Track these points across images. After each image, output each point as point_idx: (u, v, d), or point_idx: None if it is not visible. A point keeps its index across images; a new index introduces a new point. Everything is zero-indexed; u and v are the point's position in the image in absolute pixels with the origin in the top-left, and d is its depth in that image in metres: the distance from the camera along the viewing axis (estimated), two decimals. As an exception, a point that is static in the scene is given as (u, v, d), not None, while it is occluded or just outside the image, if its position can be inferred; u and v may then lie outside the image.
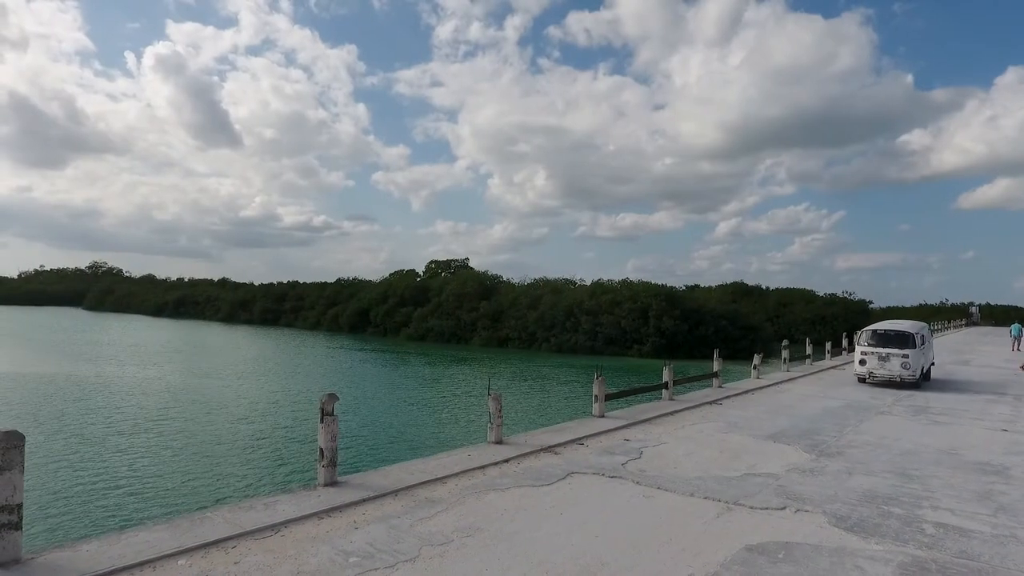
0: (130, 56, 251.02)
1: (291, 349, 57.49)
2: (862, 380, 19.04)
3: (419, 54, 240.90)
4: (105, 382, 32.03)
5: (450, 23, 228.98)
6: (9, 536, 5.35)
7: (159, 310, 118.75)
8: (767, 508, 7.57)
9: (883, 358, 18.30)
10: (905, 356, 17.98)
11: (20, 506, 5.43)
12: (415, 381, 37.03)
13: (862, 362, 18.82)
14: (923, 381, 19.22)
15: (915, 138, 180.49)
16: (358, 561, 5.73)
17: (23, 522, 5.54)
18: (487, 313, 66.24)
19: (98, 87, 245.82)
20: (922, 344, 18.68)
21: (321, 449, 7.80)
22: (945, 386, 19.93)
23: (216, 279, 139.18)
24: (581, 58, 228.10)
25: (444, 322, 68.24)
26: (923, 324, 21.15)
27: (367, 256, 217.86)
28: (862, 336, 19.41)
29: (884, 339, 18.70)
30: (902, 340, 18.36)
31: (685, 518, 7.17)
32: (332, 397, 7.82)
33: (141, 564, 5.51)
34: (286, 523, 6.56)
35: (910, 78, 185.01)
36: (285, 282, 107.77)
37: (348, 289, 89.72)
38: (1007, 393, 18.54)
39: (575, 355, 54.40)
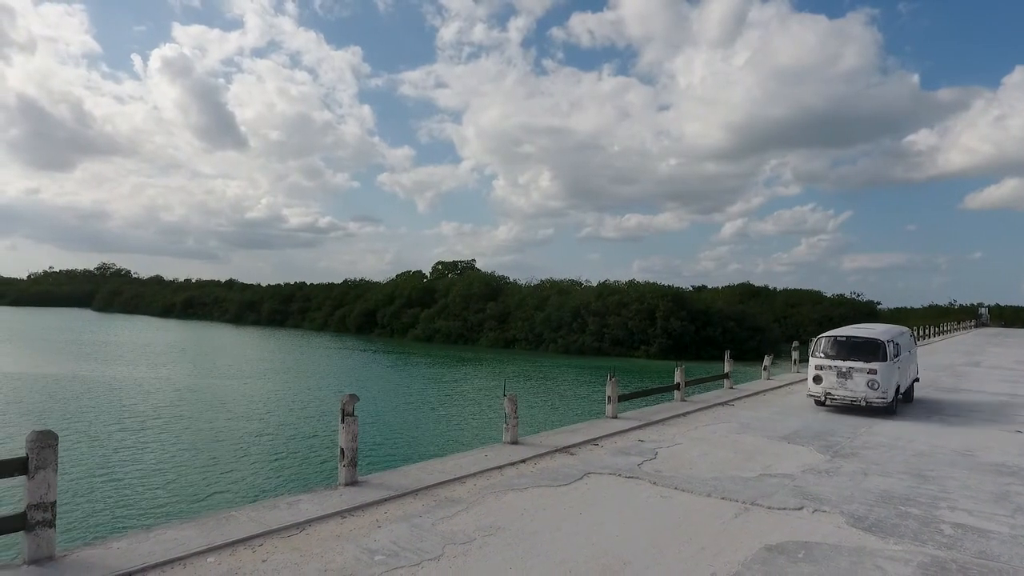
0: (136, 59, 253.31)
1: (299, 350, 57.71)
2: (820, 403, 14.69)
3: (423, 55, 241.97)
4: (118, 383, 32.27)
5: (454, 24, 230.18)
6: (44, 533, 5.46)
7: (167, 311, 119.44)
8: (784, 508, 7.61)
9: (843, 374, 13.95)
10: (872, 372, 13.67)
11: (54, 504, 5.54)
12: (424, 382, 37.13)
13: (816, 379, 14.37)
14: (899, 404, 14.76)
15: (921, 138, 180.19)
16: (383, 559, 5.81)
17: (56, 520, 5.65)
18: (494, 314, 66.39)
19: (105, 89, 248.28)
20: (896, 356, 14.17)
21: (342, 449, 7.89)
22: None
23: (222, 280, 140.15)
24: (585, 59, 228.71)
25: (451, 323, 68.42)
26: (902, 329, 16.73)
27: (372, 257, 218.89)
28: (818, 344, 14.79)
29: (846, 349, 14.26)
30: (869, 350, 13.97)
31: (703, 518, 7.22)
32: (352, 398, 7.91)
33: (172, 561, 5.61)
34: (310, 522, 6.65)
35: (916, 78, 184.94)
36: (292, 283, 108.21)
37: (355, 290, 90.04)
38: (1019, 396, 18.47)
39: (582, 356, 54.44)
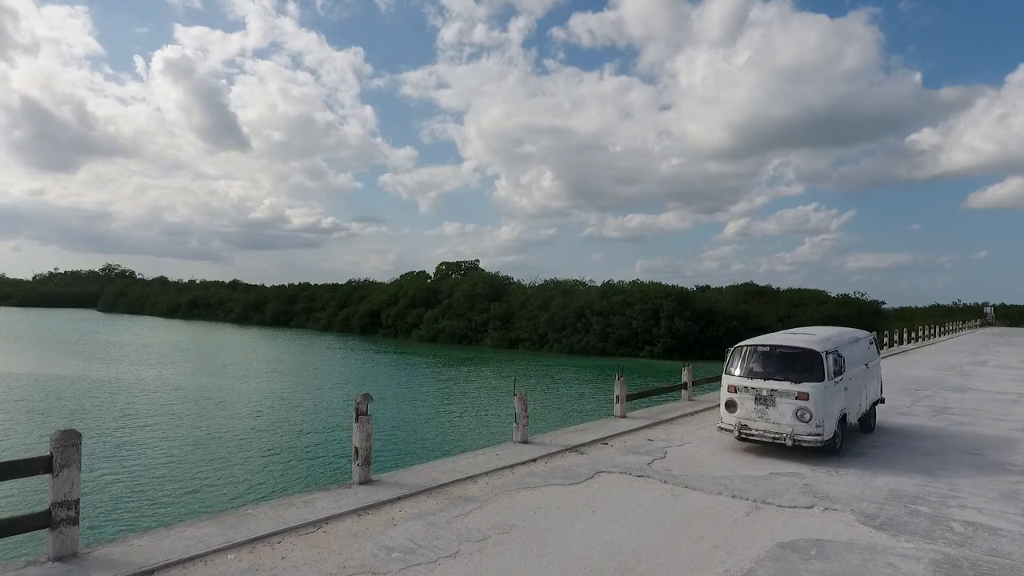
0: (139, 60, 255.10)
1: (305, 350, 57.87)
2: (738, 439, 10.47)
3: (425, 56, 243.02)
4: (127, 383, 32.44)
5: (455, 25, 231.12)
6: (68, 531, 5.55)
7: (172, 312, 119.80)
8: (795, 507, 7.67)
9: (763, 400, 10.10)
10: (802, 398, 9.79)
11: (77, 502, 5.63)
12: (430, 382, 37.23)
13: (729, 406, 10.50)
14: (851, 438, 11.21)
15: (924, 137, 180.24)
16: (400, 556, 5.89)
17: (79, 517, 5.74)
18: (498, 314, 66.47)
19: (108, 91, 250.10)
20: (840, 374, 10.33)
21: (356, 448, 7.97)
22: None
23: (226, 281, 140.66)
24: (586, 59, 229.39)
25: (455, 323, 68.52)
26: (854, 334, 12.57)
27: (375, 257, 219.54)
28: (735, 356, 10.91)
29: (770, 363, 10.39)
30: (801, 366, 10.08)
31: (715, 516, 7.29)
32: (366, 397, 7.99)
33: (193, 558, 5.69)
34: (327, 519, 6.74)
35: (918, 76, 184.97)
36: (296, 284, 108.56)
37: (359, 291, 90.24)
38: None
39: (586, 356, 54.47)
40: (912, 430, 12.72)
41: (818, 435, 9.76)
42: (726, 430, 10.61)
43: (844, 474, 9.24)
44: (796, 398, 9.86)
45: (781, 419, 9.96)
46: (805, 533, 6.77)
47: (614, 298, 60.40)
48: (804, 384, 9.87)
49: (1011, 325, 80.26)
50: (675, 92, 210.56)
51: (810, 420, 9.74)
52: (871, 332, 13.62)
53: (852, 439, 11.57)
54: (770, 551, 6.24)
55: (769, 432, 10.06)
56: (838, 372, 10.32)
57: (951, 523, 7.21)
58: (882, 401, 13.45)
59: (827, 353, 10.15)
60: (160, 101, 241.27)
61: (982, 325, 75.45)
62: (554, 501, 7.66)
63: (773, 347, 10.63)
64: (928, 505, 7.85)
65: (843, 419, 10.54)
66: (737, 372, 10.63)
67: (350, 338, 73.95)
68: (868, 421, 12.41)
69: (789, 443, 9.82)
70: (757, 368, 10.47)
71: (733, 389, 10.50)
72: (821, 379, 9.87)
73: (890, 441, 11.62)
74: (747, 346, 10.94)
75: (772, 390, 10.08)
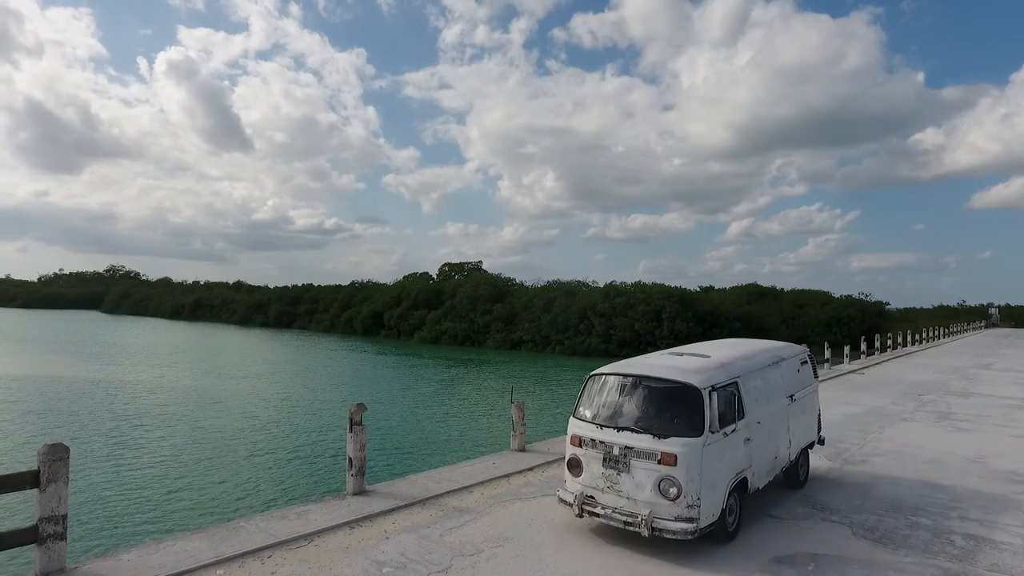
0: (142, 61, 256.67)
1: (307, 353, 57.89)
2: (582, 515, 6.80)
3: (427, 57, 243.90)
4: (126, 386, 32.48)
5: (456, 26, 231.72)
6: (55, 546, 5.50)
7: (176, 313, 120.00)
8: (793, 518, 7.58)
9: (614, 462, 6.57)
10: (667, 461, 6.27)
11: (65, 517, 5.58)
12: (431, 385, 37.17)
13: (573, 465, 7.01)
14: (738, 519, 6.93)
15: (927, 137, 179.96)
16: (392, 572, 5.83)
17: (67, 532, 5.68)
18: (501, 316, 66.38)
19: (112, 92, 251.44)
20: (731, 422, 6.83)
21: (350, 458, 7.91)
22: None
23: (230, 282, 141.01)
24: (587, 60, 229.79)
25: (458, 325, 68.44)
26: (772, 351, 8.69)
27: (378, 258, 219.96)
28: (588, 391, 7.31)
29: (628, 402, 6.91)
30: (670, 410, 6.65)
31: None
32: (360, 407, 7.93)
33: (181, 574, 5.64)
34: (319, 532, 6.68)
35: (921, 76, 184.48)
36: (299, 285, 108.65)
37: (362, 292, 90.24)
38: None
39: (589, 358, 54.34)
40: (915, 437, 12.57)
41: (689, 520, 6.20)
42: (566, 503, 6.95)
43: (844, 483, 9.14)
44: (659, 462, 6.32)
45: (637, 493, 6.43)
46: (802, 547, 6.68)
47: (616, 299, 60.26)
48: (671, 440, 6.33)
49: (1016, 326, 79.75)
50: (677, 92, 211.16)
51: (678, 497, 6.23)
52: (804, 347, 9.86)
53: (859, 443, 11.42)
54: (766, 565, 6.16)
55: (620, 512, 6.48)
56: (731, 418, 6.83)
57: (952, 536, 7.10)
58: (820, 442, 9.69)
59: (712, 389, 6.59)
60: (163, 103, 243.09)
61: (987, 326, 74.98)
62: (548, 513, 7.58)
63: (637, 378, 7.00)
64: (929, 517, 7.74)
65: (742, 485, 6.99)
66: (587, 415, 7.05)
67: (352, 340, 73.97)
68: (795, 473, 8.70)
69: (645, 532, 6.22)
70: (612, 410, 6.91)
71: (578, 441, 6.95)
72: (699, 431, 6.36)
73: (893, 448, 11.48)
74: (605, 375, 7.32)
75: (626, 447, 6.51)
